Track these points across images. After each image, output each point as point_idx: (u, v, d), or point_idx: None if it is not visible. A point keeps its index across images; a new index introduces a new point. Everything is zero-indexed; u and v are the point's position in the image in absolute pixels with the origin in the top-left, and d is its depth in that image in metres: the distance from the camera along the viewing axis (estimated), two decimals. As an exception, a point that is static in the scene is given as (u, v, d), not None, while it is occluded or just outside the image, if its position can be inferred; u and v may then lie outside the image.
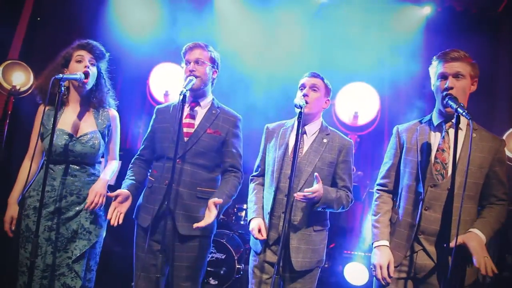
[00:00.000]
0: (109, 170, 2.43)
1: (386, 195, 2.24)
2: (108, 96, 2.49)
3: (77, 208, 2.29)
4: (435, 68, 2.08)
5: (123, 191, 2.20)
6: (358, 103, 4.97)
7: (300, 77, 2.44)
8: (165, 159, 2.21)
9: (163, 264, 2.31)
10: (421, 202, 2.04)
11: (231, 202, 2.38)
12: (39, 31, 4.97)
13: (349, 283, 4.02)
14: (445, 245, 1.86)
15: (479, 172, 2.01)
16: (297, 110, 2.16)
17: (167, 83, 5.07)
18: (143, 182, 2.43)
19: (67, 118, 2.37)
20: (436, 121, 2.11)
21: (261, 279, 2.30)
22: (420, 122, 2.20)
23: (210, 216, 2.14)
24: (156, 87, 5.23)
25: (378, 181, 2.29)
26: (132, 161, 2.50)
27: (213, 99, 2.49)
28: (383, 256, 2.06)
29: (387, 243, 2.10)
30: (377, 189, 2.28)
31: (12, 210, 2.30)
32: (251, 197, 2.46)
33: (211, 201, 2.17)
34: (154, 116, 2.51)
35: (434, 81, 2.09)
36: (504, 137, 3.93)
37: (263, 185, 2.46)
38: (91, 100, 2.42)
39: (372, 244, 2.15)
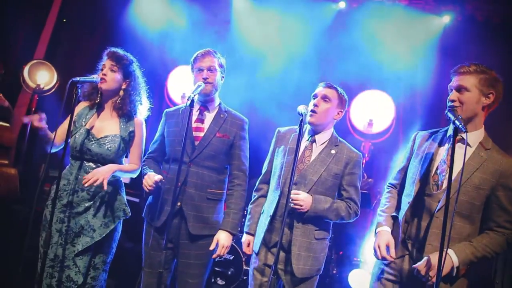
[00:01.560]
0: (126, 165, 2.50)
1: (395, 192, 2.29)
2: (133, 104, 2.52)
3: (86, 205, 2.37)
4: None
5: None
6: (373, 111, 4.97)
7: (315, 83, 2.47)
8: (177, 162, 2.27)
9: (169, 260, 2.40)
10: (414, 209, 2.07)
11: (242, 212, 2.50)
12: (64, 33, 5.17)
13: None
14: (414, 266, 1.94)
15: (474, 192, 1.96)
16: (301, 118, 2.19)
17: (185, 85, 5.19)
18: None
19: (95, 119, 2.48)
20: (449, 133, 2.11)
21: (261, 281, 2.35)
22: (438, 131, 2.20)
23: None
24: (174, 89, 5.36)
25: (389, 181, 2.35)
26: (143, 160, 2.58)
27: (220, 103, 2.56)
28: (382, 237, 2.08)
29: (388, 229, 2.12)
30: (388, 186, 2.34)
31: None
32: (250, 208, 2.55)
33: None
34: (163, 120, 2.58)
35: None
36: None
37: (265, 196, 2.51)
38: (118, 105, 2.49)
39: (375, 230, 2.18)
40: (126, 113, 2.50)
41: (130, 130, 2.50)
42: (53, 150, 2.43)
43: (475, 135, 2.02)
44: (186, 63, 5.13)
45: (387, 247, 2.04)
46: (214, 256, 2.36)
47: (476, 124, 2.01)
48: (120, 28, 5.02)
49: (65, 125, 2.46)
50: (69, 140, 2.37)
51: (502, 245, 1.97)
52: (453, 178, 1.90)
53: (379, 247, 2.05)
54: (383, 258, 2.04)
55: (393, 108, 4.93)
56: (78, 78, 2.25)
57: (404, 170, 2.25)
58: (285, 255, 2.31)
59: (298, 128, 2.08)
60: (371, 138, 5.01)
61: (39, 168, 5.02)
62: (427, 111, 4.66)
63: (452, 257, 1.91)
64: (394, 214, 2.20)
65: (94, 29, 5.20)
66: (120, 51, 2.49)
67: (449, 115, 1.91)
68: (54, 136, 2.30)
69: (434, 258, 1.87)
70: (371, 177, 4.82)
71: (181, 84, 5.26)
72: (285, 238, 2.29)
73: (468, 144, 1.97)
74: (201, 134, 2.43)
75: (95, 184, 2.24)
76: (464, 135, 1.88)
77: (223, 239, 2.35)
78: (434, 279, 1.86)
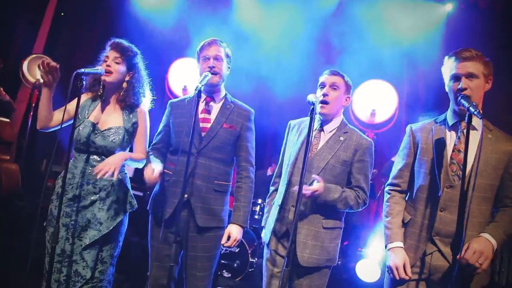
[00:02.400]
0: (135, 154, 2.46)
1: (399, 196, 2.19)
2: (136, 96, 2.48)
3: (92, 198, 2.34)
4: (447, 68, 2.03)
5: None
6: (375, 101, 4.94)
7: (319, 73, 2.42)
8: (184, 153, 2.23)
9: (177, 253, 2.37)
10: (436, 203, 2.00)
11: (251, 205, 2.50)
12: (63, 26, 5.13)
13: (361, 280, 4.02)
14: (459, 257, 1.86)
15: (494, 174, 1.96)
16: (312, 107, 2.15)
17: (185, 78, 5.15)
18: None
19: (98, 111, 2.44)
20: (451, 121, 2.07)
21: (273, 272, 2.32)
22: (435, 121, 2.15)
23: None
24: (175, 82, 5.33)
25: (390, 181, 2.24)
26: (147, 151, 2.54)
27: (226, 94, 2.53)
28: (398, 257, 2.03)
29: (401, 244, 2.06)
30: (389, 189, 2.23)
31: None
32: (267, 202, 2.56)
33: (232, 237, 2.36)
34: (168, 110, 2.54)
35: (447, 81, 2.04)
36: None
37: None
38: (121, 97, 2.46)
39: (386, 246, 2.11)
40: (129, 105, 2.47)
41: (134, 121, 2.47)
42: (54, 129, 2.40)
43: (478, 118, 2.00)
44: (186, 55, 5.17)
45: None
46: (224, 245, 2.36)
47: (480, 108, 2.01)
48: (119, 20, 4.97)
49: (72, 105, 2.40)
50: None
51: None
52: (472, 165, 1.91)
53: (397, 268, 2.01)
54: (401, 279, 2.01)
55: (396, 98, 4.90)
56: (82, 70, 2.19)
57: (409, 168, 2.16)
58: (292, 245, 2.28)
59: (309, 118, 2.03)
60: (374, 128, 4.99)
61: (40, 164, 5.00)
62: (431, 100, 4.64)
63: (491, 241, 1.90)
64: (402, 221, 2.13)
65: (93, 22, 5.16)
66: (124, 43, 2.45)
67: (463, 102, 1.86)
68: (64, 115, 2.28)
69: (478, 244, 1.86)
70: (375, 167, 4.80)
71: (182, 77, 5.22)
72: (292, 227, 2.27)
73: (475, 128, 1.98)
74: (208, 125, 2.40)
75: (106, 175, 2.18)
76: (478, 121, 1.88)
77: (235, 232, 2.36)
78: (484, 266, 1.85)
